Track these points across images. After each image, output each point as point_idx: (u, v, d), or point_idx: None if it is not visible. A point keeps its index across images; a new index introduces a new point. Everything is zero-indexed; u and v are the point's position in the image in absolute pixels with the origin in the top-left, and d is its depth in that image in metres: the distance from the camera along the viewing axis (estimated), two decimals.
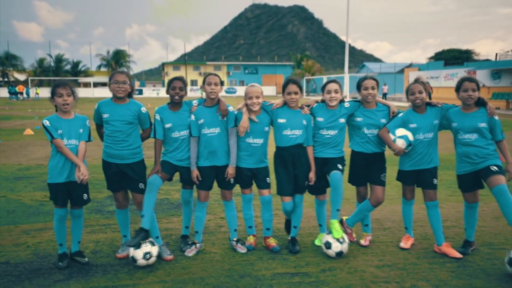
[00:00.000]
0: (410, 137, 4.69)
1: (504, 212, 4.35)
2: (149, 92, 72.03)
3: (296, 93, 4.77)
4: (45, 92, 63.43)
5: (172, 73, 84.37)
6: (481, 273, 4.31)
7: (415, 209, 5.26)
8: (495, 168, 4.50)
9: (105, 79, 74.54)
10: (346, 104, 4.91)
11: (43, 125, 4.45)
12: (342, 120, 4.86)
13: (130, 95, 4.76)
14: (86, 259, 4.63)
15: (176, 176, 4.96)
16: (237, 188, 5.05)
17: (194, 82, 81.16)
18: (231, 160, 4.83)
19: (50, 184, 4.52)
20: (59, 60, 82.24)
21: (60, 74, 77.71)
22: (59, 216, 4.57)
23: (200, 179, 4.80)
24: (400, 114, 4.84)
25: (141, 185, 4.72)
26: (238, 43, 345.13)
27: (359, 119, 4.88)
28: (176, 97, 4.76)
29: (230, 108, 4.85)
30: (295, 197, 4.93)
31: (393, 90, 51.67)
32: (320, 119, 4.86)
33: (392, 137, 4.71)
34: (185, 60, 74.70)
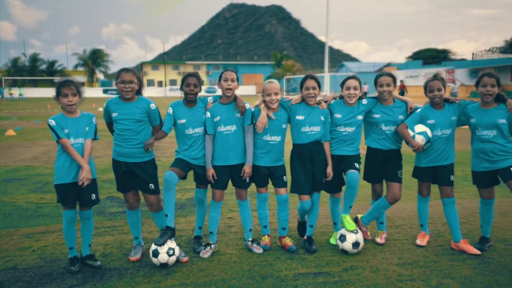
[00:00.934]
0: (429, 133, 4.65)
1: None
2: None
3: (314, 88, 4.68)
4: (29, 92, 62.05)
5: (150, 73, 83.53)
6: (504, 270, 4.29)
7: (413, 205, 5.21)
8: None
9: (82, 78, 73.27)
10: (364, 101, 4.85)
11: (49, 124, 4.26)
12: (360, 117, 4.80)
13: (139, 91, 4.59)
14: (99, 262, 4.45)
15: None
16: (250, 187, 4.93)
17: (173, 82, 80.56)
18: (247, 158, 4.71)
19: (58, 185, 4.32)
20: (34, 59, 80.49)
21: (35, 74, 76.05)
22: (68, 218, 4.38)
23: (215, 178, 4.66)
24: (418, 110, 4.80)
25: (151, 186, 4.57)
26: (216, 42, 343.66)
27: (376, 115, 4.82)
28: (191, 95, 4.63)
29: (247, 105, 4.73)
30: (313, 196, 4.84)
31: (373, 89, 52.19)
32: (338, 115, 4.78)
33: (411, 133, 4.66)
34: (164, 59, 73.90)
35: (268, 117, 4.67)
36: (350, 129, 4.76)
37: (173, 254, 4.37)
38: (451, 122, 4.75)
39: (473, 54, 47.54)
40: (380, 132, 4.85)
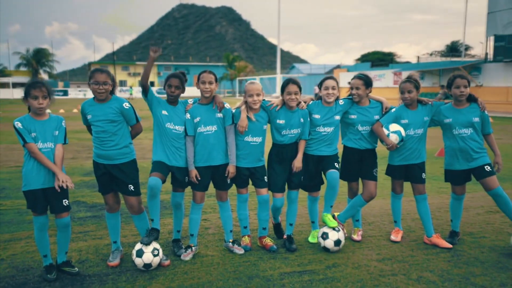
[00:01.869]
0: (403, 132, 4.82)
1: (504, 210, 4.76)
2: (75, 93, 68.80)
3: (296, 93, 4.71)
4: None
5: (99, 74, 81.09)
6: (476, 261, 4.51)
7: (387, 203, 5.39)
8: (489, 168, 4.79)
9: (25, 79, 70.02)
10: (341, 102, 4.94)
11: (15, 127, 4.04)
12: (338, 117, 4.89)
13: (112, 91, 4.45)
14: (76, 269, 4.28)
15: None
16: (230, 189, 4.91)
17: (123, 83, 78.75)
18: (231, 158, 4.69)
19: (26, 191, 4.12)
20: None
21: None
22: (40, 225, 4.19)
23: (199, 179, 4.61)
24: (393, 110, 4.96)
25: (131, 187, 4.45)
26: (166, 43, 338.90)
27: (353, 116, 4.93)
28: (171, 97, 4.59)
29: (227, 105, 4.71)
30: (291, 193, 4.90)
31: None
32: (316, 116, 4.85)
33: (386, 132, 4.81)
34: (113, 59, 72.01)
35: (249, 118, 4.67)
36: (329, 129, 4.85)
37: (158, 254, 4.30)
38: (423, 122, 4.94)
39: (418, 57, 49.69)
40: (356, 132, 4.97)
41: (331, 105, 4.87)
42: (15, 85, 66.21)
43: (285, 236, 5.02)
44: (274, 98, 4.94)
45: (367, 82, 4.85)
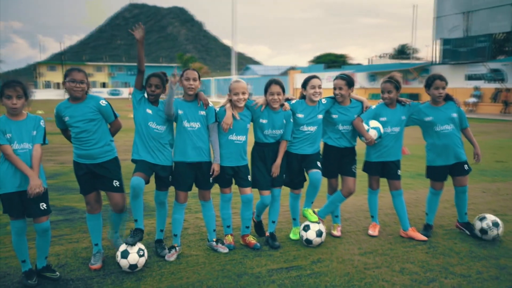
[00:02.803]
0: (382, 129, 4.98)
1: (461, 205, 5.26)
2: None
3: (279, 93, 4.74)
4: None
5: (47, 74, 78.26)
6: (451, 252, 4.73)
7: (359, 199, 5.56)
8: (467, 166, 5.13)
9: None
10: (324, 100, 5.03)
11: None
12: (320, 116, 4.98)
13: (86, 91, 4.36)
14: (58, 274, 4.13)
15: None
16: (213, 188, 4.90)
17: None
18: (215, 157, 4.69)
19: (1, 195, 3.95)
20: None
21: None
22: (17, 229, 4.02)
23: (177, 175, 4.61)
24: (373, 107, 5.12)
25: (115, 183, 4.41)
26: (116, 43, 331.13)
27: (335, 116, 5.04)
28: (152, 96, 4.56)
29: (210, 104, 4.70)
30: (274, 191, 4.95)
31: (258, 91, 53.76)
32: (300, 115, 4.92)
33: (366, 127, 4.95)
34: (62, 60, 69.56)
35: (233, 117, 4.68)
36: (312, 128, 4.93)
37: (143, 255, 4.24)
38: (400, 121, 5.13)
39: (369, 59, 51.30)
40: (337, 131, 5.08)
41: (314, 104, 4.95)
42: None
43: (267, 234, 5.06)
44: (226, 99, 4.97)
45: (349, 82, 4.97)
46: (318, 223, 4.89)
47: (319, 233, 4.82)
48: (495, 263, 4.41)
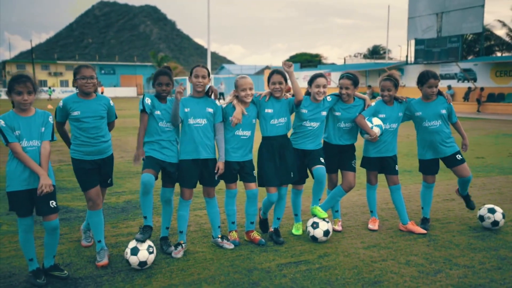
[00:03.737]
0: (383, 126, 5.09)
1: (461, 189, 5.40)
2: None
3: (280, 83, 4.81)
4: None
5: (16, 73, 76.03)
6: (451, 244, 4.87)
7: (354, 195, 5.66)
8: (460, 156, 5.24)
9: None
10: (328, 98, 5.10)
11: None
12: (324, 113, 5.04)
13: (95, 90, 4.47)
14: (66, 272, 4.07)
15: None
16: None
17: (43, 83, 74.38)
18: (220, 155, 4.70)
19: (10, 192, 3.87)
20: None
21: None
22: (25, 227, 3.96)
23: (182, 172, 4.62)
24: (373, 104, 5.22)
25: (109, 180, 4.65)
26: (87, 41, 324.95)
27: (338, 113, 5.11)
28: (163, 94, 4.57)
29: (218, 102, 4.73)
30: (281, 189, 4.97)
31: (256, 89, 53.93)
32: (304, 111, 4.97)
33: (370, 124, 5.04)
34: (30, 58, 67.60)
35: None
36: (315, 124, 4.99)
37: (153, 252, 4.23)
38: (398, 118, 5.25)
39: (344, 59, 51.90)
40: (338, 128, 5.16)
41: (319, 101, 5.01)
42: None
43: (271, 229, 5.09)
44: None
45: (355, 82, 5.06)
46: (327, 221, 4.93)
47: (326, 233, 4.87)
48: (495, 254, 4.57)
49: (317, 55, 77.22)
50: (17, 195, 3.85)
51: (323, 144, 5.25)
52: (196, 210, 6.13)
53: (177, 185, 4.73)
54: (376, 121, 5.06)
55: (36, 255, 4.07)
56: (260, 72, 61.96)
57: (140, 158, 4.51)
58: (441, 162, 5.39)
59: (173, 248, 4.64)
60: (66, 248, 4.77)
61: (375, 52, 68.43)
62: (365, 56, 68.33)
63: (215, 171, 4.69)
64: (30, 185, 3.86)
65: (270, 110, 4.85)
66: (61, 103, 4.33)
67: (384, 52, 63.91)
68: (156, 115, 4.51)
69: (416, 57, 34.69)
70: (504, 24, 40.26)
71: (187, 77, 4.51)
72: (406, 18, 35.51)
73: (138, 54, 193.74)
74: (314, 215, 4.98)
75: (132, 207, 6.37)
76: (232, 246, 4.78)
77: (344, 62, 51.31)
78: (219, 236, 4.86)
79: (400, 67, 35.06)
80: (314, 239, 4.90)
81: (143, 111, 4.51)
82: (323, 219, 4.91)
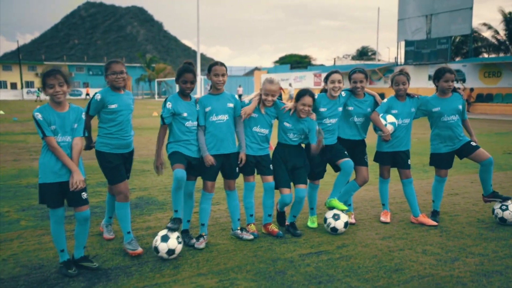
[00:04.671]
0: (396, 123, 5.26)
1: (485, 179, 5.45)
2: None
3: (310, 106, 4.89)
4: None
5: (1, 73, 75.23)
6: (462, 235, 5.06)
7: (359, 191, 5.82)
8: (474, 143, 5.41)
9: None
10: (343, 94, 5.27)
11: (35, 118, 3.89)
12: (340, 109, 5.22)
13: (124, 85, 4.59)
14: (96, 264, 4.16)
15: None
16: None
17: (30, 84, 73.68)
18: (242, 146, 4.85)
19: (42, 184, 3.97)
20: None
21: None
22: (57, 218, 4.05)
23: (205, 166, 4.70)
24: (385, 100, 5.39)
25: (127, 174, 4.72)
26: (73, 42, 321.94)
27: (350, 108, 5.28)
28: (187, 91, 4.70)
29: (245, 98, 4.91)
30: (300, 191, 5.01)
31: (246, 91, 54.12)
32: (323, 109, 5.13)
33: (383, 122, 5.21)
34: (19, 59, 66.91)
35: (259, 110, 4.88)
36: (333, 121, 5.17)
37: (181, 243, 4.38)
38: (410, 113, 5.43)
39: (334, 60, 52.40)
40: (351, 123, 5.32)
41: (335, 98, 5.17)
42: None
43: (287, 223, 5.22)
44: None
45: (367, 75, 5.25)
46: (347, 212, 5.11)
47: (346, 224, 5.04)
48: (506, 243, 4.76)
49: (306, 56, 77.77)
50: (49, 187, 3.94)
51: (336, 139, 5.40)
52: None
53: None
54: (390, 118, 5.23)
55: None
56: (250, 73, 62.14)
57: (160, 169, 4.67)
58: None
59: (194, 240, 4.74)
60: (89, 242, 4.81)
61: (364, 53, 69.06)
62: (353, 58, 68.88)
63: (238, 162, 4.82)
64: (61, 178, 3.95)
65: (289, 125, 4.99)
66: (98, 96, 4.40)
67: (373, 54, 64.57)
68: (182, 117, 4.61)
69: (406, 58, 35.14)
70: (489, 27, 41.06)
71: (205, 75, 4.63)
72: (393, 21, 36.43)
73: (125, 55, 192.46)
74: (332, 208, 5.12)
75: (144, 203, 6.46)
76: (251, 237, 4.90)
77: (334, 63, 51.77)
78: (238, 228, 4.98)
79: (390, 68, 35.49)
80: (334, 230, 5.04)
81: (163, 124, 4.64)
82: (342, 211, 5.06)
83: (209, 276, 3.96)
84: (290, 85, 38.14)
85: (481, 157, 5.35)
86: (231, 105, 4.79)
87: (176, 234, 4.36)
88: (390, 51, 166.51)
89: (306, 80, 42.88)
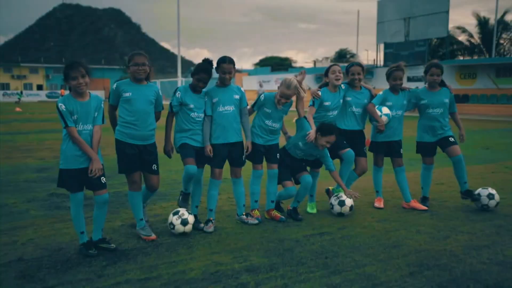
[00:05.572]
0: (391, 115, 5.64)
1: (459, 175, 5.83)
2: None
3: (328, 142, 5.20)
4: None
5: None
6: (452, 217, 5.45)
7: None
8: (452, 139, 5.81)
9: None
10: (343, 86, 5.64)
11: (58, 109, 4.12)
12: (341, 101, 5.60)
13: (147, 77, 4.67)
14: (114, 245, 4.39)
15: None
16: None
17: (6, 86, 72.41)
18: (247, 135, 5.18)
19: (63, 170, 4.20)
20: None
21: None
22: (77, 201, 4.28)
23: (213, 154, 4.99)
24: (380, 93, 5.77)
25: (154, 166, 4.76)
26: (48, 45, 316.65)
27: (349, 98, 5.65)
28: (200, 89, 4.98)
29: (262, 90, 5.19)
30: (305, 178, 5.37)
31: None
32: (327, 103, 5.51)
33: (379, 113, 5.58)
34: None
35: (275, 106, 5.20)
36: (336, 112, 5.58)
37: (191, 213, 4.90)
38: (403, 105, 5.82)
39: (314, 62, 53.14)
40: (350, 113, 5.68)
41: (336, 90, 5.54)
42: None
43: (289, 207, 5.53)
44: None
45: (364, 68, 5.62)
46: (350, 198, 5.49)
47: (351, 208, 5.47)
48: (491, 224, 5.17)
49: (286, 59, 78.61)
50: (70, 172, 4.17)
51: None
52: None
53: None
54: (385, 110, 5.62)
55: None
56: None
57: (171, 152, 4.97)
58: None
59: (203, 224, 5.01)
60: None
61: (342, 56, 70.08)
62: (332, 60, 69.82)
63: (245, 151, 5.11)
64: (81, 164, 4.17)
65: (302, 147, 5.36)
66: (114, 85, 4.60)
67: (351, 56, 65.59)
68: (188, 108, 4.89)
69: (386, 60, 35.99)
70: (463, 31, 42.26)
71: (185, 77, 4.95)
72: (371, 24, 36.94)
73: (102, 58, 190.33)
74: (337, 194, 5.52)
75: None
76: (256, 222, 5.19)
77: (314, 65, 52.45)
78: (244, 213, 5.27)
79: (370, 70, 36.24)
80: (340, 215, 5.45)
81: (171, 112, 4.94)
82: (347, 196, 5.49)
83: (223, 254, 4.24)
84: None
85: (452, 153, 5.76)
86: (237, 96, 5.08)
87: (185, 208, 4.77)
88: (368, 53, 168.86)
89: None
